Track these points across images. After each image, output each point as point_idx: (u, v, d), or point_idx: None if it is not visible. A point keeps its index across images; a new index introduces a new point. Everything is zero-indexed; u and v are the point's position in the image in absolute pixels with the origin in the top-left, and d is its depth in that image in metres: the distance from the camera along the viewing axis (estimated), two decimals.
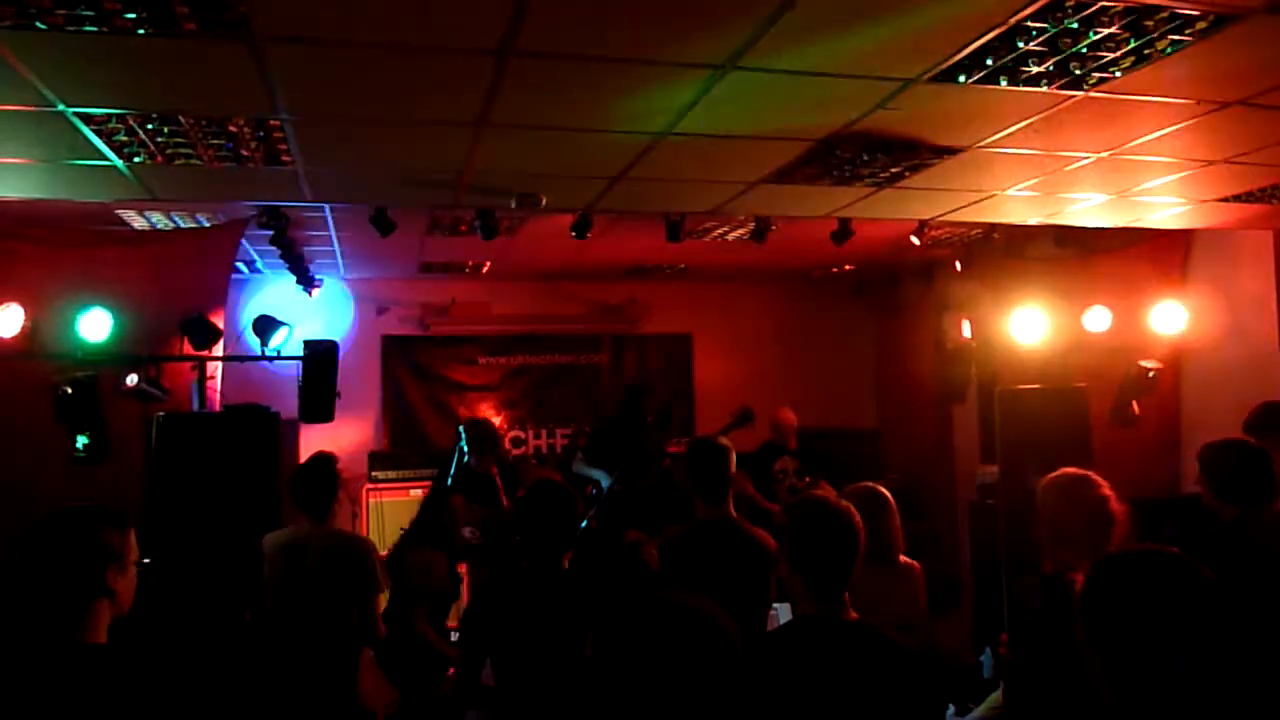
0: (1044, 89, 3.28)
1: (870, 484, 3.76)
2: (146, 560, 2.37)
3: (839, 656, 2.39)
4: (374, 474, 7.96)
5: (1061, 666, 2.05)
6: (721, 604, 2.27)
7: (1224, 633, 1.52)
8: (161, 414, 4.84)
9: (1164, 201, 5.11)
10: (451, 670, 4.53)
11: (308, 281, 7.23)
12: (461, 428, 6.84)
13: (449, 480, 6.86)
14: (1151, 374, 6.01)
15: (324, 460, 4.32)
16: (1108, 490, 3.02)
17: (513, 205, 4.83)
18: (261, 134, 3.64)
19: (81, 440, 4.77)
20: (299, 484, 4.24)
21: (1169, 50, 2.96)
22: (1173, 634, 1.51)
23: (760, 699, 2.30)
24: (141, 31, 2.64)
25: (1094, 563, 1.67)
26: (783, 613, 3.82)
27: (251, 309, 6.84)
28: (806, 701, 2.30)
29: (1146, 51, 2.98)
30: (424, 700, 4.26)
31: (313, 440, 7.04)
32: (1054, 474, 3.14)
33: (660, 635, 1.37)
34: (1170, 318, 6.06)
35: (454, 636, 5.59)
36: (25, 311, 4.86)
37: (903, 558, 3.80)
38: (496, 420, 8.97)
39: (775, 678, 2.32)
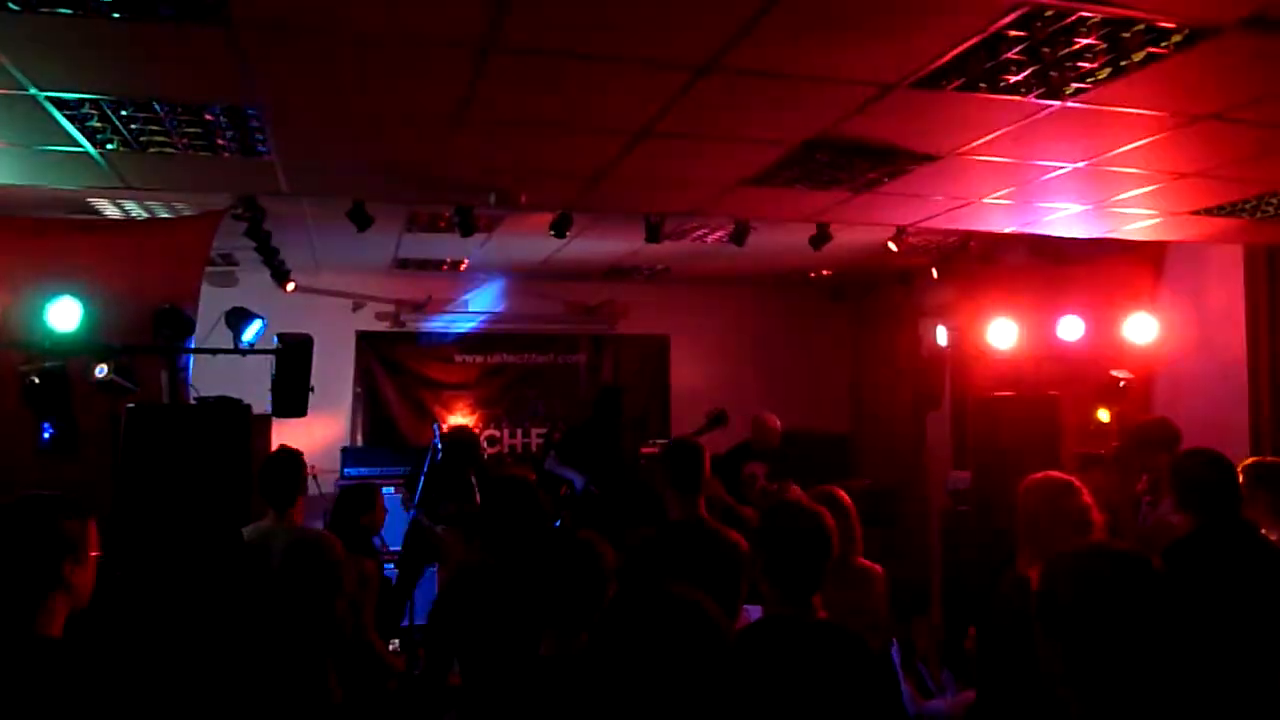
0: (1022, 97, 3.31)
1: (828, 488, 3.82)
2: (103, 553, 2.32)
3: (806, 654, 2.40)
4: (346, 470, 7.91)
5: (1033, 666, 2.08)
6: None
7: (1175, 624, 1.54)
8: (131, 405, 4.77)
9: (1137, 213, 5.17)
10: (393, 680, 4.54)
11: (282, 275, 7.16)
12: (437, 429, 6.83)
13: (420, 482, 6.83)
14: (1122, 384, 6.08)
15: (291, 454, 4.33)
16: (1089, 498, 3.05)
17: (491, 202, 4.82)
18: (237, 123, 3.60)
19: (48, 431, 4.69)
20: (266, 475, 4.24)
21: (1144, 62, 3.00)
22: (1123, 625, 1.52)
23: (729, 695, 2.30)
24: (116, 15, 2.61)
25: (1048, 559, 1.69)
26: (755, 615, 3.83)
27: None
28: (773, 698, 2.30)
29: (1123, 63, 3.01)
30: (372, 703, 4.24)
31: (285, 435, 6.97)
32: (1037, 477, 3.16)
33: (656, 625, 1.37)
34: (1142, 329, 6.13)
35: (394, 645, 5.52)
36: None
37: (862, 560, 3.84)
38: (472, 419, 8.94)
39: (743, 675, 2.33)
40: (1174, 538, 3.50)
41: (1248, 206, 4.92)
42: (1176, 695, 1.50)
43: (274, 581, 4.00)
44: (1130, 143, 3.89)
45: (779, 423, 7.01)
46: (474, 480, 6.26)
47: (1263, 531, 3.50)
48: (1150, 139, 3.82)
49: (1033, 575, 1.74)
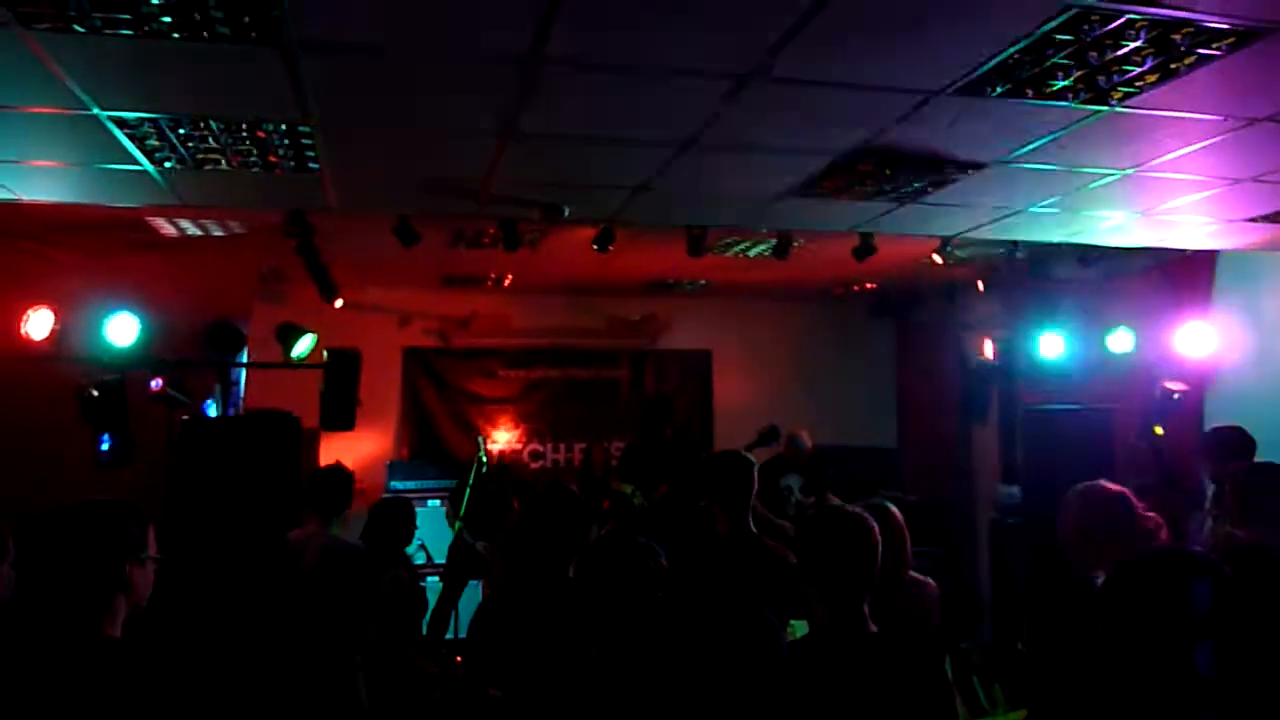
0: (1069, 103, 3.28)
1: (877, 501, 3.75)
2: (160, 556, 2.37)
3: (860, 668, 2.37)
4: (392, 484, 7.99)
5: (1087, 679, 2.04)
6: None
7: (1240, 627, 1.51)
8: (185, 418, 4.89)
9: (1189, 221, 5.07)
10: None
11: (331, 291, 7.28)
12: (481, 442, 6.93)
13: (466, 493, 6.90)
14: (1176, 396, 5.96)
15: (338, 469, 4.44)
16: (1154, 521, 3.01)
17: (536, 216, 4.87)
18: (289, 140, 3.69)
19: (106, 443, 4.82)
20: (312, 486, 4.38)
21: (1195, 65, 2.95)
22: (1186, 625, 1.50)
23: (783, 709, 2.29)
24: (176, 36, 2.69)
25: (1116, 562, 1.67)
26: (799, 630, 3.79)
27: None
28: (828, 712, 2.28)
29: (1173, 66, 2.97)
30: (405, 710, 4.29)
31: (333, 449, 7.08)
32: (1092, 489, 3.11)
33: (710, 627, 1.37)
34: (1195, 340, 6.00)
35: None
36: (55, 315, 4.93)
37: (913, 574, 3.78)
38: (515, 433, 9.01)
39: (797, 688, 2.31)
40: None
41: None
42: (1237, 697, 1.47)
43: (304, 586, 4.06)
44: (1181, 148, 3.82)
45: (810, 438, 7.01)
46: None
47: None
48: (1202, 144, 3.76)
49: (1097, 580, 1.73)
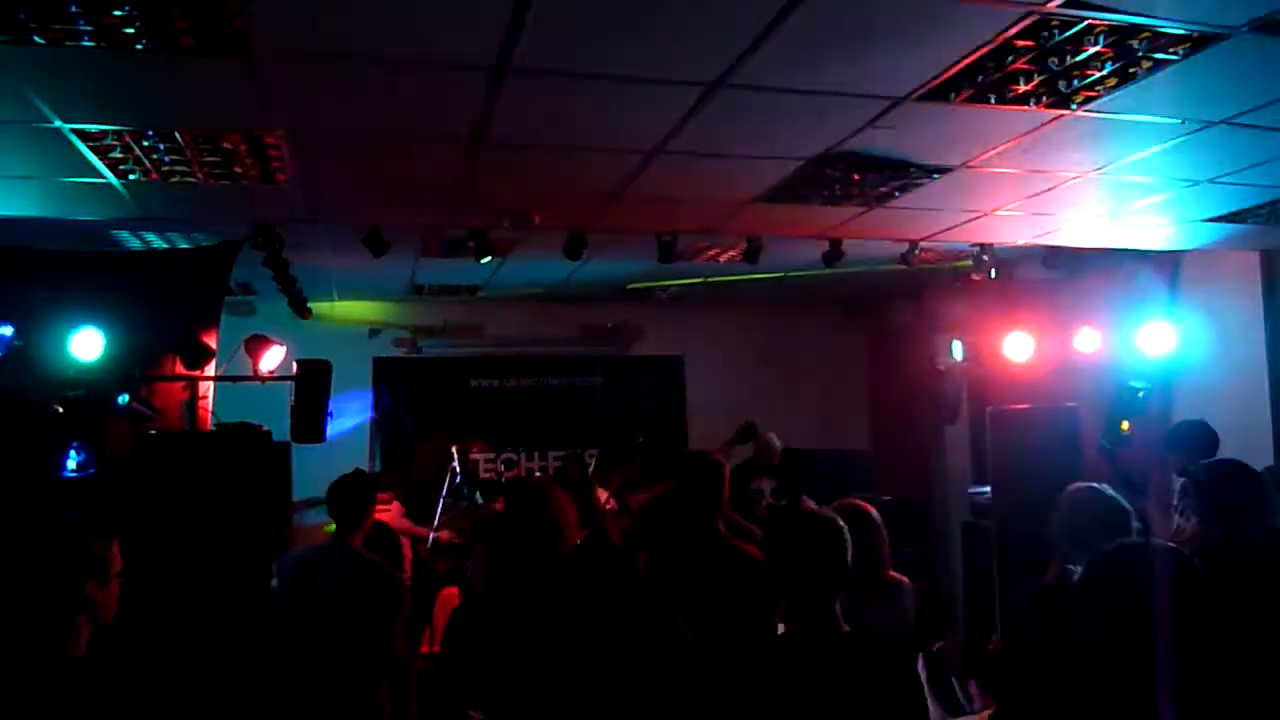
0: (1032, 108, 3.33)
1: (854, 501, 3.76)
2: (125, 574, 2.34)
3: (831, 669, 2.38)
4: None
5: (1060, 675, 2.07)
6: (713, 620, 2.20)
7: (1212, 618, 1.54)
8: (152, 432, 4.83)
9: (1151, 222, 5.16)
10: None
11: (300, 304, 7.23)
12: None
13: (440, 505, 6.87)
14: (1141, 394, 6.04)
15: (357, 475, 4.34)
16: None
17: (505, 224, 4.86)
18: (256, 150, 3.66)
19: (72, 459, 4.74)
20: (331, 496, 4.23)
21: (1153, 69, 3.01)
22: (1160, 615, 1.53)
23: (753, 711, 2.30)
24: (140, 46, 2.66)
25: (1093, 554, 1.71)
26: None
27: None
28: (799, 713, 2.29)
29: (1131, 70, 3.03)
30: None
31: (303, 462, 7.01)
32: (1082, 490, 3.16)
33: (610, 630, 1.39)
34: (1159, 338, 6.09)
35: None
36: (17, 330, 4.84)
37: (891, 574, 3.80)
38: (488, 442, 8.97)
39: (768, 690, 2.32)
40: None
41: (1263, 212, 4.90)
42: (1207, 685, 1.50)
43: (326, 603, 3.99)
44: (1141, 151, 3.89)
45: (779, 441, 7.05)
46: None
47: None
48: (1161, 146, 3.83)
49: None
